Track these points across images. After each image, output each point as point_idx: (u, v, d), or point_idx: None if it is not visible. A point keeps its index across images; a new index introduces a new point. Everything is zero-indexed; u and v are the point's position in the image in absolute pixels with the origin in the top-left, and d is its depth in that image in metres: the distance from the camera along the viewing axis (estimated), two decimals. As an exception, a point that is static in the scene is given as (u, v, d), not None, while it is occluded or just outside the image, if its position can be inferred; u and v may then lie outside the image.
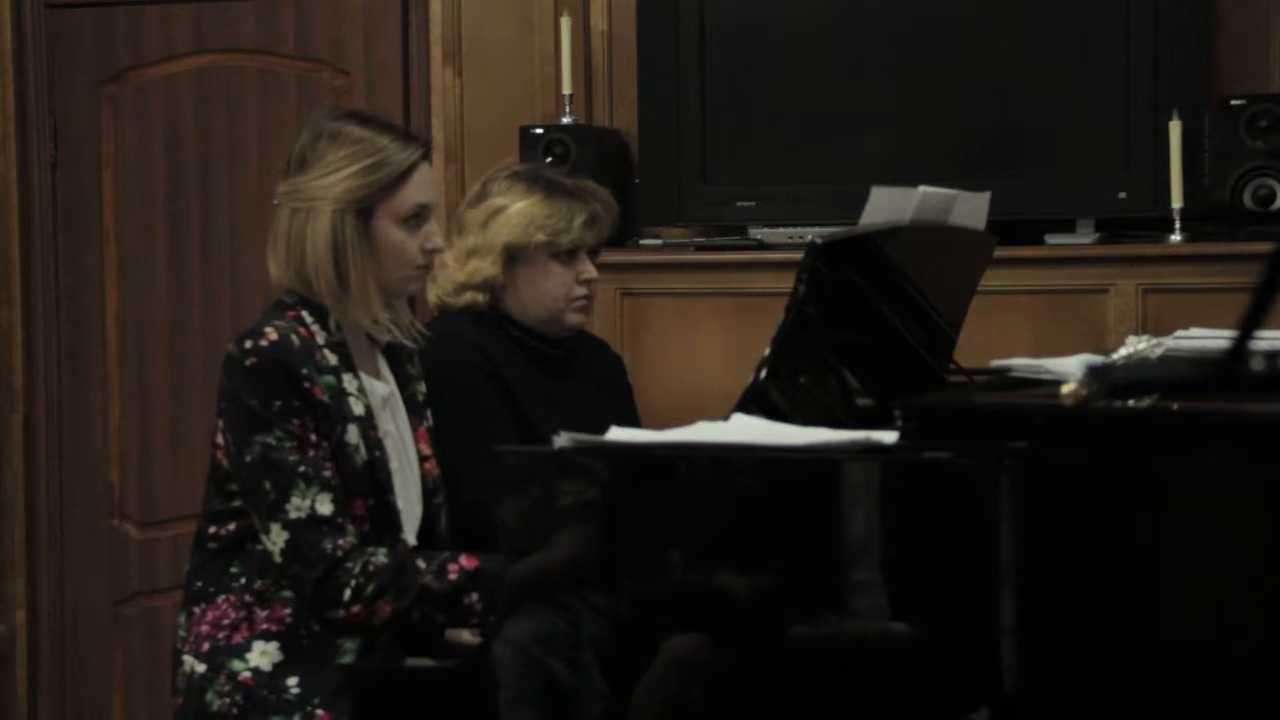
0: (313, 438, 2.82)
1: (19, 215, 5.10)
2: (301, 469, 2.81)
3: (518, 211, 3.48)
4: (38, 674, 5.17)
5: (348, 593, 2.80)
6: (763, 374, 2.59)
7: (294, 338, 2.86)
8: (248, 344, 2.84)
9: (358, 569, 2.80)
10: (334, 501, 2.81)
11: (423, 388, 3.09)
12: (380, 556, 2.82)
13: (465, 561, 2.83)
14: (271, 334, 2.85)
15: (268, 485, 2.81)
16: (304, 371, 2.84)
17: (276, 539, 2.82)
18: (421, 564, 2.83)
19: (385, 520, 2.88)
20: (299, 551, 2.81)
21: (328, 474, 2.82)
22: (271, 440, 2.81)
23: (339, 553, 2.80)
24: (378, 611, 2.81)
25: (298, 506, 2.80)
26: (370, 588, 2.80)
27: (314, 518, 2.80)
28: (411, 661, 2.79)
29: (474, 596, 2.82)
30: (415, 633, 2.86)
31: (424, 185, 2.97)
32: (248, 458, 2.83)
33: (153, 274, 5.10)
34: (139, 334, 5.12)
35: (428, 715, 2.78)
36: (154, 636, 4.99)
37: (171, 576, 4.85)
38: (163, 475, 5.06)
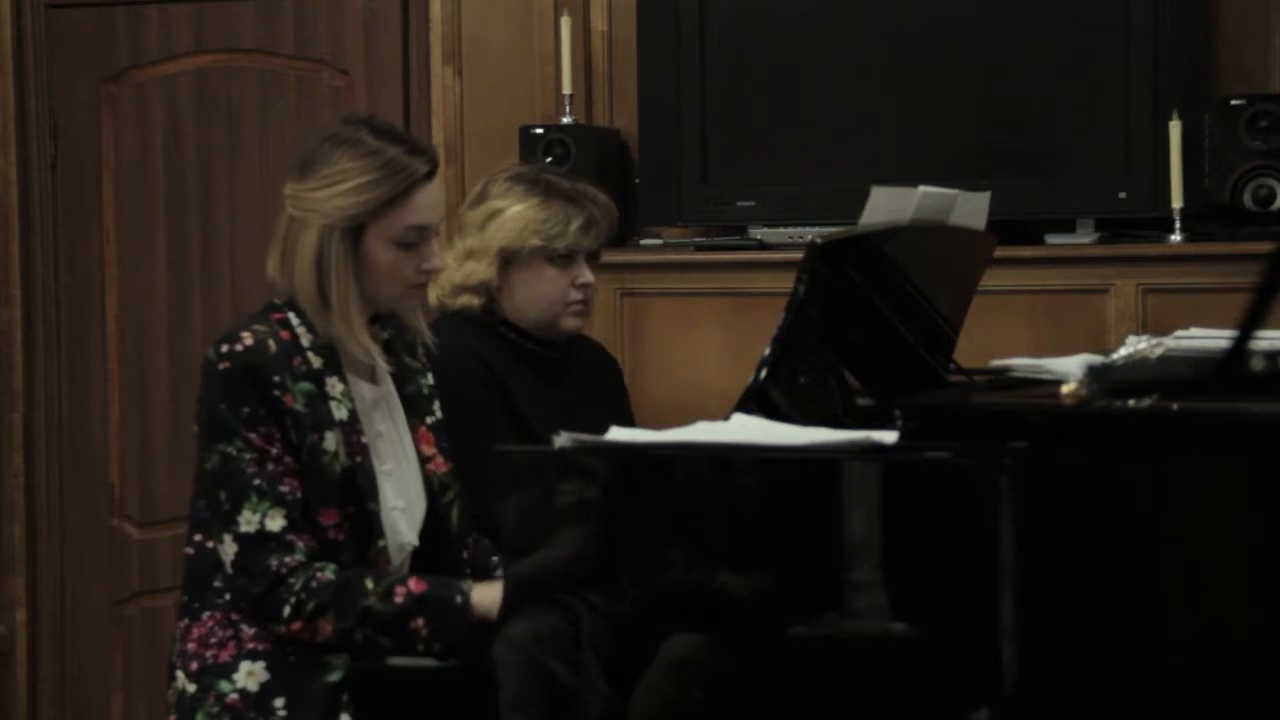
0: (274, 450, 2.79)
1: (19, 215, 5.10)
2: (257, 482, 2.78)
3: (513, 215, 3.46)
4: (38, 674, 5.17)
5: (287, 609, 2.77)
6: (763, 374, 2.59)
7: (271, 343, 2.83)
8: (223, 348, 2.82)
9: (299, 585, 2.77)
10: (286, 517, 2.78)
11: (429, 380, 3.04)
12: (327, 573, 2.78)
13: (414, 585, 2.78)
14: (247, 339, 2.82)
15: (222, 495, 2.80)
16: (276, 379, 2.80)
17: (228, 550, 2.81)
18: (369, 584, 2.78)
19: (364, 527, 2.84)
20: (245, 565, 2.79)
21: (284, 489, 2.79)
22: (232, 450, 2.79)
23: (283, 569, 2.77)
24: (319, 629, 2.78)
25: (248, 520, 2.78)
26: (311, 605, 2.77)
27: (262, 534, 2.78)
28: (411, 662, 2.79)
29: (419, 622, 2.77)
30: (363, 655, 2.80)
31: (422, 207, 2.87)
32: (207, 465, 2.82)
33: (153, 274, 5.10)
34: (139, 334, 5.11)
35: (428, 715, 2.78)
36: (154, 636, 4.99)
37: (171, 576, 4.84)
38: (163, 475, 5.05)
